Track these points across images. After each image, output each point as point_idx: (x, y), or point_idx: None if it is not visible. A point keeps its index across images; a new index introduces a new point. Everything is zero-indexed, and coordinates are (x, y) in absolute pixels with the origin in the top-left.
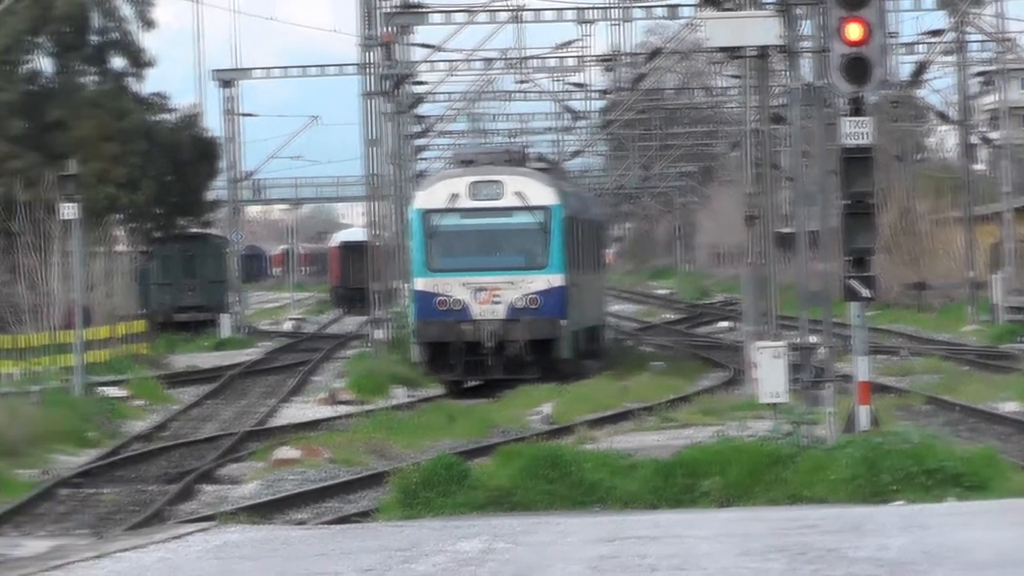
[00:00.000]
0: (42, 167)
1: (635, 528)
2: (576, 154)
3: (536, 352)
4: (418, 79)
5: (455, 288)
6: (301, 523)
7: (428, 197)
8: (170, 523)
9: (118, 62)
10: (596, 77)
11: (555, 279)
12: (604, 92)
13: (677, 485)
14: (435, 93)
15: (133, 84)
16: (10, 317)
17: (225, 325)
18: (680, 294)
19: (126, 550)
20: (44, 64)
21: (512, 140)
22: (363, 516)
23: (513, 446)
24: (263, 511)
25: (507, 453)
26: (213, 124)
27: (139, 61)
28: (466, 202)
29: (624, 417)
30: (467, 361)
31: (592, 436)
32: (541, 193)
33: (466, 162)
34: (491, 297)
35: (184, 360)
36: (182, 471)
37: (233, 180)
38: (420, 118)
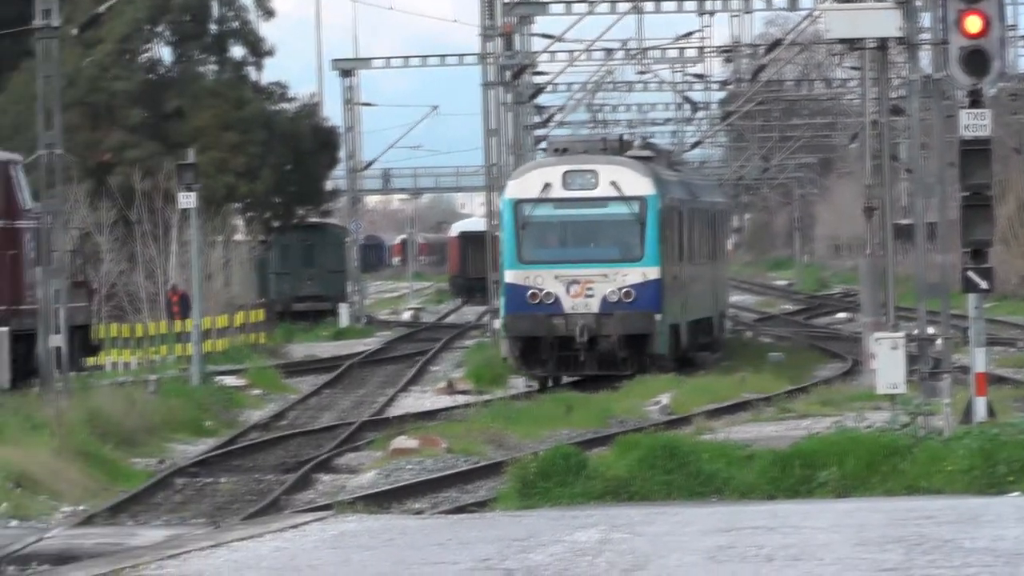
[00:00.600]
0: (161, 156)
1: (752, 518)
2: (696, 145)
3: (630, 348)
4: (538, 69)
5: (547, 280)
6: (418, 513)
7: (520, 186)
8: (287, 512)
9: (237, 51)
10: (716, 68)
11: (650, 272)
12: (724, 83)
13: (794, 476)
14: (555, 83)
15: (252, 73)
16: (128, 306)
17: (344, 314)
18: (799, 285)
19: (242, 539)
20: (163, 53)
21: (632, 131)
22: (480, 506)
23: (631, 436)
24: (380, 501)
25: (625, 443)
26: (333, 114)
27: (258, 50)
28: (559, 192)
29: (742, 408)
30: (559, 357)
31: (710, 426)
32: (637, 183)
33: (560, 150)
34: (584, 290)
35: (302, 349)
36: (299, 460)
37: (352, 170)
38: (540, 108)
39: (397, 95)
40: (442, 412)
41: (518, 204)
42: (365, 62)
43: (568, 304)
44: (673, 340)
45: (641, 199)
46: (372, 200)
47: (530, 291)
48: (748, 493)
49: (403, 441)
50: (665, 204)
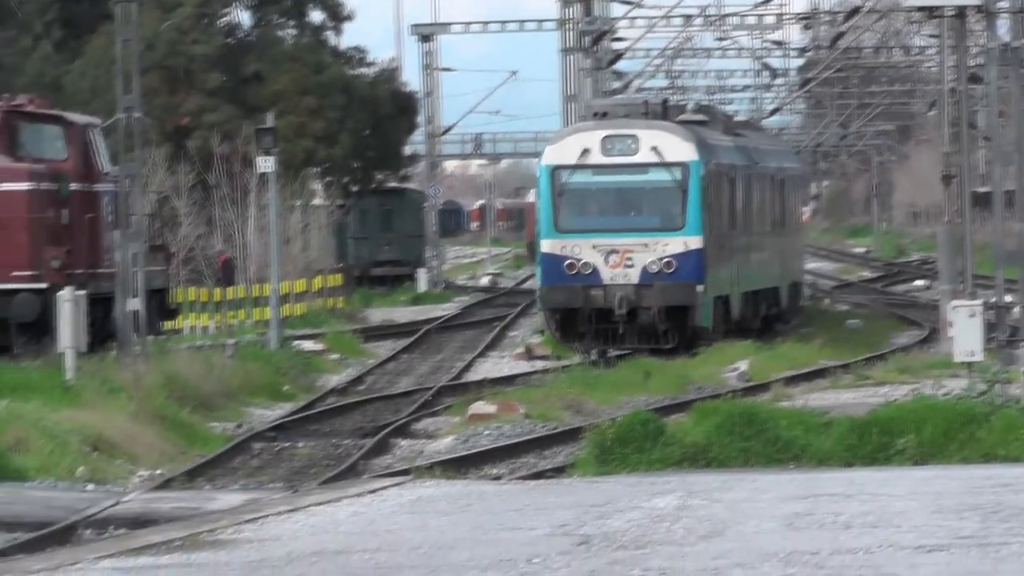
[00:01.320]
0: (239, 120)
1: (830, 485)
2: (774, 112)
3: (671, 320)
4: (617, 35)
5: (585, 250)
6: (496, 478)
7: (557, 152)
8: (364, 477)
9: (316, 16)
10: (795, 35)
11: (692, 241)
12: (803, 50)
13: (872, 443)
14: (634, 49)
15: (331, 38)
16: (206, 270)
17: (422, 280)
18: (877, 252)
19: (320, 504)
20: (242, 17)
21: (710, 97)
22: (558, 472)
23: (709, 403)
24: (458, 466)
25: (703, 410)
26: (411, 79)
27: (337, 15)
28: (598, 158)
29: (819, 375)
30: (597, 329)
31: (788, 393)
32: (678, 148)
33: (600, 115)
34: (623, 260)
35: (380, 314)
36: (377, 425)
37: (431, 135)
38: (618, 74)
39: (476, 60)
40: (520, 377)
41: (555, 170)
42: (444, 27)
43: (607, 275)
44: (722, 312)
45: (683, 165)
46: (451, 165)
47: (567, 261)
48: (826, 460)
49: (481, 406)
50: (710, 170)
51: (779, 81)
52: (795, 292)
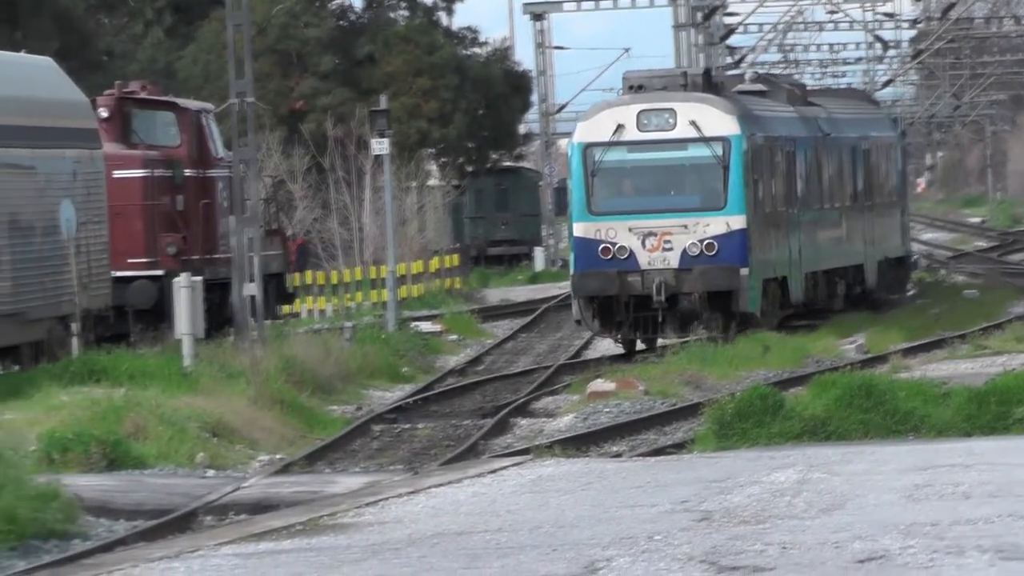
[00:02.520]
0: (353, 103)
1: (949, 456)
2: (887, 84)
3: (714, 306)
4: (729, 10)
5: (620, 233)
6: (616, 456)
7: (589, 129)
8: (484, 458)
9: None
10: (906, 6)
11: (734, 221)
12: (914, 22)
13: (990, 412)
14: (746, 24)
15: (443, 18)
16: (323, 253)
17: (539, 258)
18: (992, 222)
19: (440, 485)
20: (354, 0)
21: (823, 70)
22: (678, 448)
23: (828, 376)
24: (578, 444)
25: (822, 383)
26: (524, 57)
27: None
28: (633, 134)
29: (937, 345)
30: (634, 318)
31: (905, 365)
32: (719, 121)
33: (635, 88)
34: (661, 243)
35: (498, 294)
36: (496, 405)
37: (545, 113)
38: (731, 49)
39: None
40: (639, 354)
41: (587, 148)
42: (556, 5)
43: (644, 259)
44: (777, 295)
45: (724, 140)
46: (565, 143)
47: (602, 245)
48: (944, 431)
49: (600, 384)
50: (756, 144)
51: (891, 53)
52: (894, 268)
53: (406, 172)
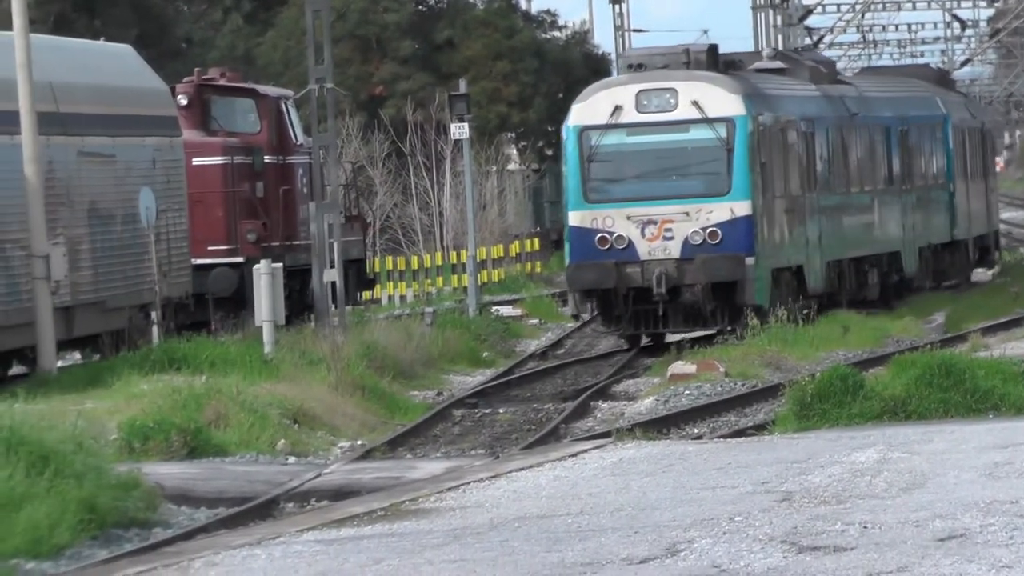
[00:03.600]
0: (432, 87)
1: None
2: (965, 63)
3: (717, 299)
4: None
5: (618, 222)
6: (697, 438)
7: (585, 111)
8: (566, 441)
9: None
10: None
11: (740, 207)
12: (992, 0)
13: None
14: (824, 4)
15: (522, 2)
16: (403, 239)
17: None
18: None
19: (521, 469)
20: None
21: (901, 50)
22: (759, 429)
23: (907, 355)
24: (659, 426)
25: (901, 362)
26: (603, 41)
27: None
28: (632, 116)
29: (1017, 324)
30: (635, 312)
31: (985, 343)
32: (723, 101)
33: (635, 66)
34: (662, 232)
35: None
36: (577, 388)
37: None
38: (810, 30)
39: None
40: (719, 336)
41: (583, 132)
42: None
43: (644, 249)
44: (792, 285)
45: (728, 120)
46: None
47: (599, 235)
48: None
49: (681, 366)
50: (764, 125)
51: (969, 32)
52: (946, 253)
53: (486, 156)
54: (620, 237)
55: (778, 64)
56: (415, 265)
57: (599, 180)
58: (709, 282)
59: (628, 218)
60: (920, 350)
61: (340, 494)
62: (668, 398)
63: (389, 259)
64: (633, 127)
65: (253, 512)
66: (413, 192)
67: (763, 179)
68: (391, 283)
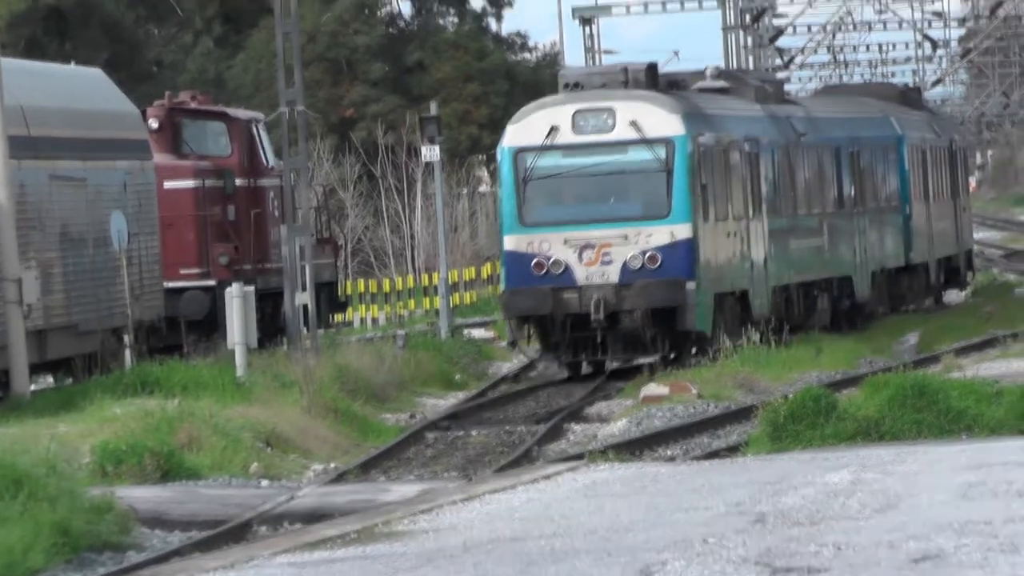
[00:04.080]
0: (403, 110)
1: (1002, 454)
2: (936, 83)
3: (658, 325)
4: (778, 12)
5: (555, 246)
6: (670, 459)
7: (520, 132)
8: (539, 463)
9: (477, 2)
10: (955, 6)
11: (679, 230)
12: (962, 20)
13: None
14: (795, 25)
15: (492, 24)
16: (375, 261)
17: None
18: None
19: (495, 492)
20: (403, 7)
21: (873, 71)
22: (732, 451)
23: (881, 376)
24: (632, 448)
25: (875, 383)
26: (574, 62)
27: (498, 1)
28: (568, 136)
29: (990, 344)
30: (573, 339)
31: (958, 364)
32: (663, 121)
33: (572, 86)
34: (600, 256)
35: None
36: (550, 411)
37: None
38: (780, 51)
39: (639, 42)
40: (692, 358)
41: (518, 154)
42: (606, 9)
43: (581, 274)
44: (736, 311)
45: (667, 141)
46: None
47: (535, 259)
48: (997, 429)
49: (653, 388)
50: (705, 146)
51: (940, 52)
52: (902, 278)
53: (457, 179)
54: (557, 262)
55: (721, 83)
56: (387, 288)
57: (535, 203)
58: (649, 307)
59: (565, 242)
60: (893, 371)
61: (313, 517)
62: (641, 420)
63: (361, 282)
64: (569, 148)
65: (227, 535)
66: (384, 214)
67: (704, 201)
68: (363, 306)
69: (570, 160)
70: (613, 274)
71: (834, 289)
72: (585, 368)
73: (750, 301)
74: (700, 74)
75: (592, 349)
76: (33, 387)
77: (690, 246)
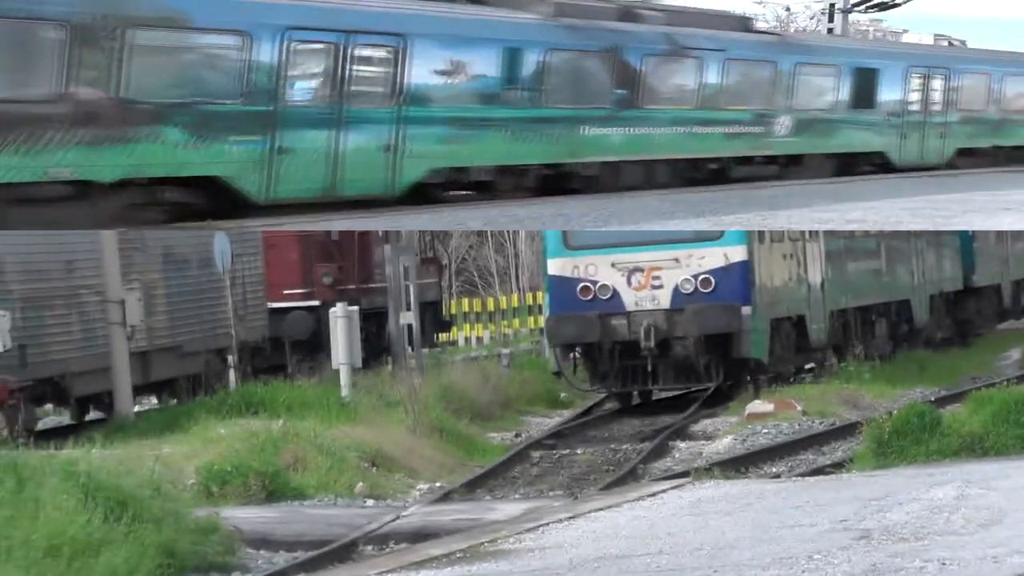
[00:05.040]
0: None
1: None
2: None
3: (712, 352)
4: None
5: (602, 270)
6: (775, 477)
7: None
8: (644, 481)
9: None
10: None
11: (734, 252)
12: None
13: None
14: None
15: None
16: (479, 280)
17: None
18: None
19: (600, 510)
20: None
21: None
22: (836, 467)
23: (985, 392)
24: (737, 465)
25: (978, 399)
26: None
27: None
28: None
29: None
30: (622, 367)
31: None
32: None
33: None
34: (649, 280)
35: None
36: (655, 428)
37: None
38: None
39: None
40: (797, 375)
41: None
42: None
43: (630, 299)
44: (792, 337)
45: None
46: None
47: (581, 284)
48: None
49: (758, 405)
50: None
51: None
52: (974, 300)
53: None
54: (604, 286)
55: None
56: (491, 307)
57: None
58: (702, 334)
59: (613, 265)
60: (997, 386)
61: (419, 536)
62: (746, 437)
63: (465, 301)
64: None
65: (332, 555)
66: (488, 234)
67: None
68: (467, 325)
69: None
70: (664, 299)
71: (892, 314)
72: (635, 399)
73: (807, 326)
74: None
75: (642, 378)
76: (137, 408)
77: (745, 269)
